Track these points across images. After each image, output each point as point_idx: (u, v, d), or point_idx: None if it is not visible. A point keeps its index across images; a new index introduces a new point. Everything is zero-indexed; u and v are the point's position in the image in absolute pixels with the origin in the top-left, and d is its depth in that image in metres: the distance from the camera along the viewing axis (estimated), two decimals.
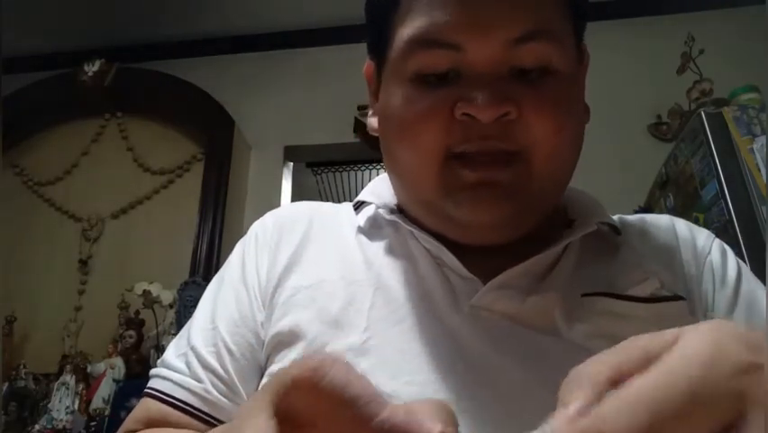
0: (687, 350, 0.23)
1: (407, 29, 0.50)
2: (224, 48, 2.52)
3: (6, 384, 1.89)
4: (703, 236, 0.58)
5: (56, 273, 2.17)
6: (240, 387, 0.53)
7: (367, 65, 0.63)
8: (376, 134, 0.59)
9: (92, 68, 2.29)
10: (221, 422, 0.52)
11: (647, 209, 1.76)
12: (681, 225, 0.60)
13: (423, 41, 0.49)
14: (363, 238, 0.58)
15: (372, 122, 0.61)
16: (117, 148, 2.34)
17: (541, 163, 0.49)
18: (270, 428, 0.25)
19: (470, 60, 0.48)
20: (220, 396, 0.53)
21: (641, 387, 0.22)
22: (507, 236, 0.51)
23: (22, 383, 1.91)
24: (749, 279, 0.55)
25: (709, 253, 0.56)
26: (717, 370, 0.22)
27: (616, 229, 0.57)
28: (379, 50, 0.57)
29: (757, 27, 1.59)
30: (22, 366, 1.94)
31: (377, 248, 0.57)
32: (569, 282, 0.52)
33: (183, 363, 0.55)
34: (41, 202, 2.30)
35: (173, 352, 0.57)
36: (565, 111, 0.50)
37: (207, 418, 0.52)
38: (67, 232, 2.24)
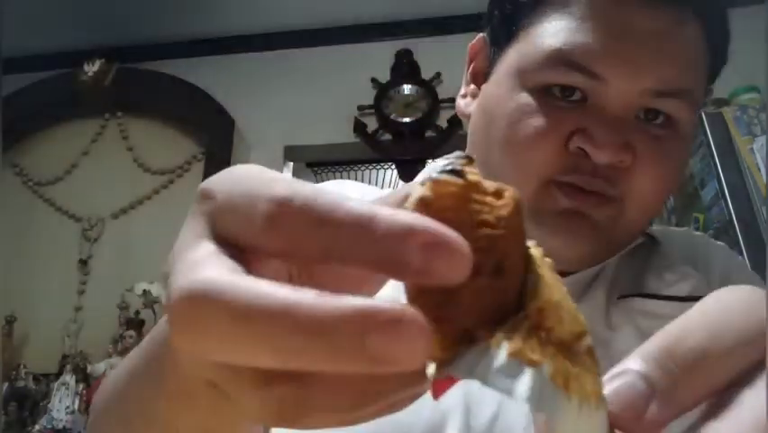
0: None
1: (550, 38, 0.47)
2: (224, 48, 2.52)
3: (6, 384, 1.88)
4: (716, 247, 0.61)
5: (56, 273, 2.17)
6: None
7: (477, 40, 0.58)
8: (465, 118, 0.57)
9: (92, 68, 2.28)
10: None
11: None
12: (699, 237, 0.62)
13: (564, 61, 0.46)
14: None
15: (464, 105, 0.58)
16: (117, 148, 2.34)
17: (634, 214, 0.49)
18: (215, 251, 0.19)
19: (605, 95, 0.46)
20: None
21: None
22: (576, 268, 0.51)
23: (22, 383, 1.90)
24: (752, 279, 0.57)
25: (719, 260, 0.58)
26: None
27: (652, 239, 0.58)
28: (502, 34, 0.53)
29: (757, 27, 1.59)
30: (22, 366, 1.94)
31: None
32: (609, 289, 0.52)
33: None
34: (40, 202, 2.30)
35: None
36: (674, 172, 0.50)
37: None
38: (67, 232, 2.23)
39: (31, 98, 2.33)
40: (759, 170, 1.29)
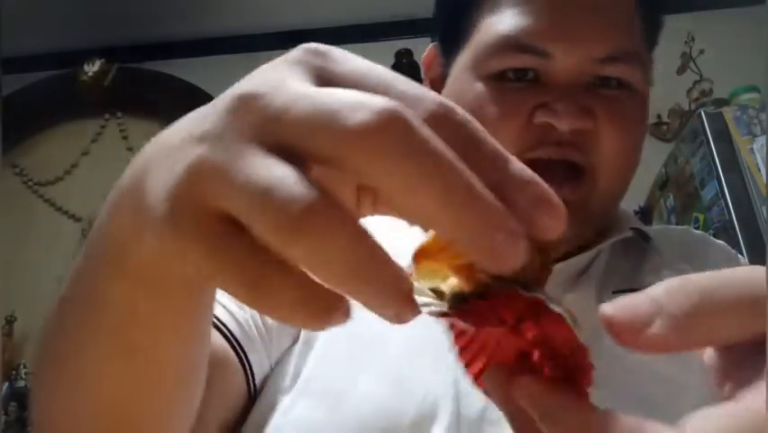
0: None
1: (495, 26, 0.50)
2: (224, 48, 2.52)
3: (6, 384, 1.89)
4: (715, 245, 0.61)
5: (56, 273, 2.17)
6: (275, 334, 0.49)
7: (429, 50, 0.61)
8: None
9: (92, 68, 2.28)
10: (248, 361, 0.47)
11: (647, 209, 1.76)
12: (698, 235, 0.63)
13: (512, 45, 0.49)
14: (391, 233, 0.57)
15: None
16: (117, 148, 2.34)
17: (606, 181, 0.50)
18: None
19: (555, 69, 0.49)
20: (256, 333, 0.49)
21: None
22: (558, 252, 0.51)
23: (22, 383, 1.91)
24: None
25: (716, 258, 0.58)
26: None
27: (644, 236, 0.58)
28: (452, 38, 0.56)
29: (757, 27, 1.59)
30: (22, 366, 1.94)
31: (408, 243, 0.55)
32: (601, 282, 0.53)
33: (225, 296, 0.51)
34: (40, 202, 2.30)
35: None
36: (636, 131, 0.51)
37: (238, 348, 0.47)
38: (67, 232, 2.23)
39: (31, 98, 2.33)
40: (759, 170, 1.29)
